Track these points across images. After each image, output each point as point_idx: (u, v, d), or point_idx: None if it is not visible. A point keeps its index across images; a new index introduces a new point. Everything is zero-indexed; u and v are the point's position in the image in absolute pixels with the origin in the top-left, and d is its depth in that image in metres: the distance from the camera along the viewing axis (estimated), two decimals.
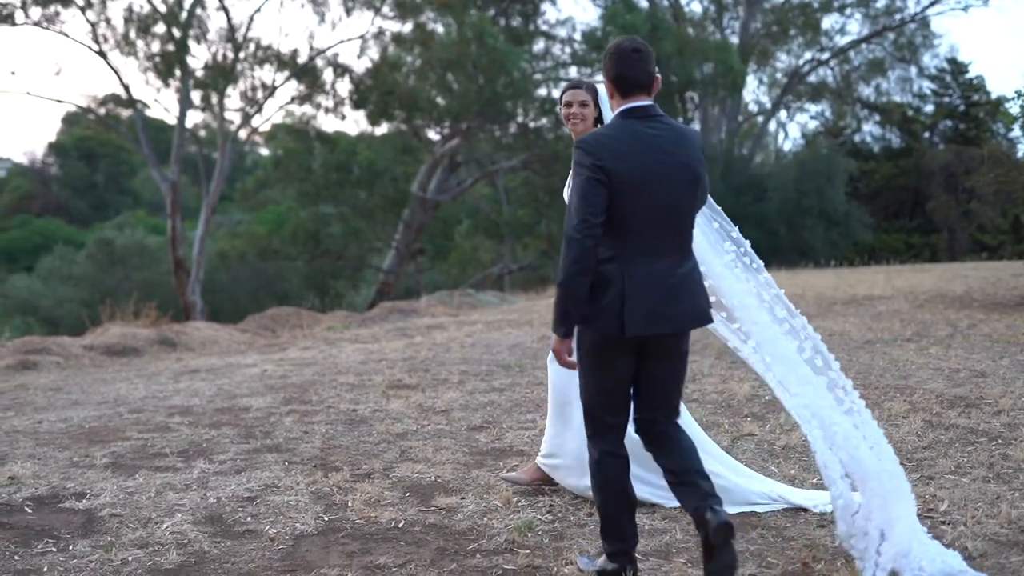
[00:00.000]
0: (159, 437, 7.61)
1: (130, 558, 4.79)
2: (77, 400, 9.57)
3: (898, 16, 45.48)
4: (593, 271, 4.07)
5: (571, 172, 4.20)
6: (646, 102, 4.23)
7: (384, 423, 7.97)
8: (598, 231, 4.04)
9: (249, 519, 5.41)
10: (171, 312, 22.16)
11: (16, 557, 4.85)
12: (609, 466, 4.31)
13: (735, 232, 4.99)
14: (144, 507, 5.65)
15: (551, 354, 5.56)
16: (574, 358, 4.27)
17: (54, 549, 4.97)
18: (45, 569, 4.67)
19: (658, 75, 4.30)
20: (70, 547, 4.99)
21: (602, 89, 5.21)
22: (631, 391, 4.36)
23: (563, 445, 5.68)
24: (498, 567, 4.60)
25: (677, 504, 5.41)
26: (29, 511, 5.64)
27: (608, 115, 5.16)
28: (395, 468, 6.47)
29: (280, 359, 12.39)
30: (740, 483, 5.56)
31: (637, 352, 4.24)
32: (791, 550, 4.74)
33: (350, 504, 5.65)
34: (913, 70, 46.91)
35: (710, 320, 4.35)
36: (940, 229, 41.35)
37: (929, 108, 46.71)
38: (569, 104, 5.33)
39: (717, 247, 4.93)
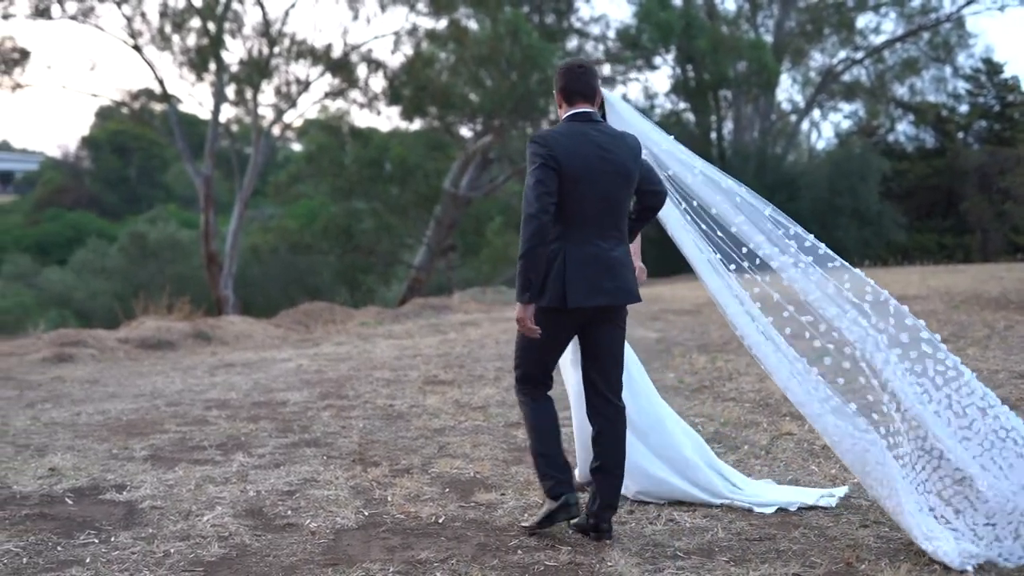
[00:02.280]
0: (197, 430, 7.64)
1: (172, 550, 4.81)
2: (114, 392, 9.62)
3: (933, 16, 45.01)
4: (548, 244, 4.71)
5: (528, 163, 4.74)
6: (588, 109, 4.92)
7: (421, 418, 7.99)
8: (552, 209, 4.68)
9: (289, 512, 5.43)
10: (204, 306, 22.26)
11: (59, 548, 4.88)
12: (542, 404, 4.97)
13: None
14: (184, 499, 5.68)
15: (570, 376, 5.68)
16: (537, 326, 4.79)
17: (96, 540, 4.99)
18: (88, 560, 4.69)
19: (600, 90, 5.04)
20: (112, 539, 5.01)
21: (608, 95, 5.52)
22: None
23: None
24: (540, 563, 4.58)
25: (719, 502, 5.43)
26: (70, 502, 5.67)
27: (611, 121, 5.38)
28: (434, 463, 6.48)
29: (315, 354, 12.42)
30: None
31: (578, 327, 4.89)
32: (834, 549, 4.70)
33: (390, 499, 5.65)
34: (948, 70, 46.42)
35: (639, 299, 4.90)
36: (974, 230, 41.01)
37: (964, 108, 46.28)
38: None
39: (701, 244, 5.34)
